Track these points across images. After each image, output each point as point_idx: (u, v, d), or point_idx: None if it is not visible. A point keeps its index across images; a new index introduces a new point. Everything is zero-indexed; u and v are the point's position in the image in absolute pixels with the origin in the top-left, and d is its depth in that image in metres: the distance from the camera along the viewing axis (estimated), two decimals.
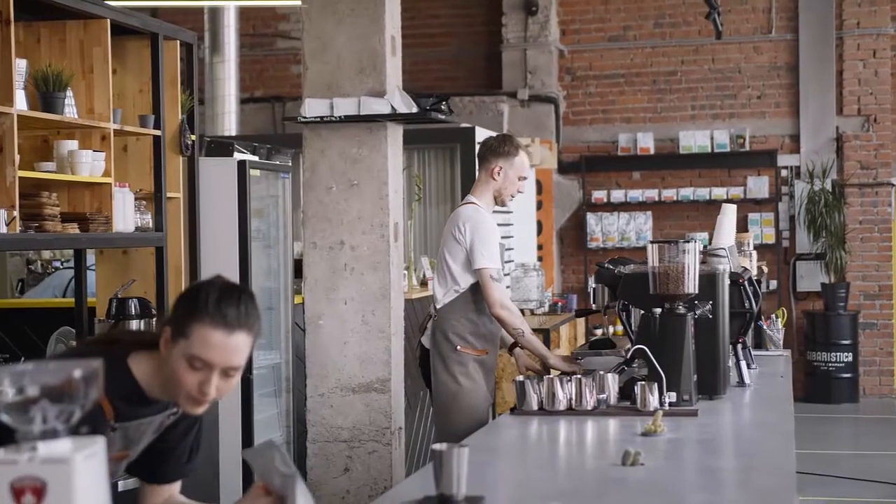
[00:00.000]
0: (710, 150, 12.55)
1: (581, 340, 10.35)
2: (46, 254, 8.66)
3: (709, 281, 4.49)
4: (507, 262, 9.97)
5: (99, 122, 5.17)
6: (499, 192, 5.19)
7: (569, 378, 4.25)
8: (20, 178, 4.71)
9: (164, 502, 2.94)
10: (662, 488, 3.05)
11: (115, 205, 5.19)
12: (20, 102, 4.68)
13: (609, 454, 3.46)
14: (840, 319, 12.08)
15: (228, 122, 11.05)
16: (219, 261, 6.13)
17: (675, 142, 12.68)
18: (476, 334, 5.17)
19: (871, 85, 12.40)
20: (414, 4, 13.26)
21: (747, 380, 4.91)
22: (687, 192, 12.56)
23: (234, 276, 6.16)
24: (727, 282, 4.66)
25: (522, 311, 9.97)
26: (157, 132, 5.59)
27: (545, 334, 8.85)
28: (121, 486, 4.51)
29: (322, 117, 5.43)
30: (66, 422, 1.79)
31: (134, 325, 5.42)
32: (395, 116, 5.43)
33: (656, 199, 12.61)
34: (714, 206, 10.88)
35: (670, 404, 4.19)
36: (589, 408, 4.17)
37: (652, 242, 4.42)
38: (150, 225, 5.58)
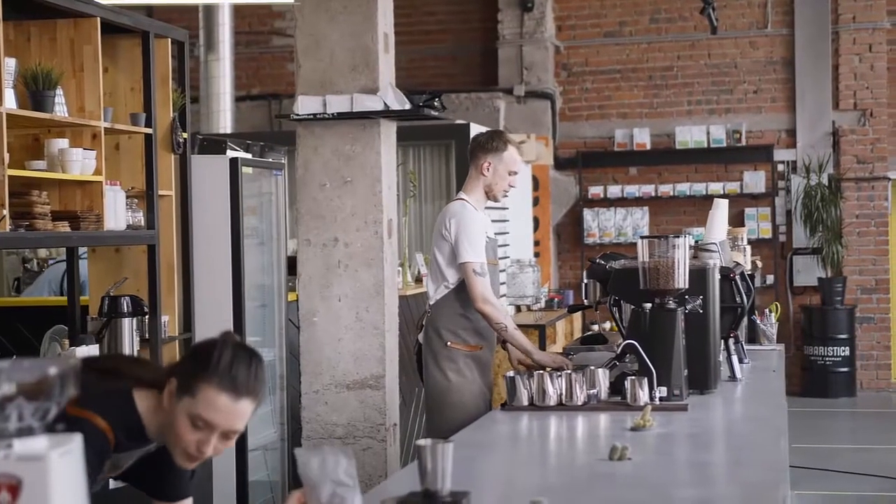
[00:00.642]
0: (706, 145, 12.55)
1: (578, 336, 10.35)
2: (42, 252, 8.66)
3: (699, 276, 4.49)
4: (502, 258, 9.98)
5: (89, 120, 5.16)
6: (489, 188, 5.19)
7: (559, 373, 4.26)
8: (10, 176, 4.70)
9: None
10: (649, 482, 3.05)
11: (107, 203, 5.19)
12: (9, 101, 4.67)
13: (597, 449, 3.46)
14: (837, 314, 12.08)
15: (223, 120, 11.05)
16: (211, 258, 6.14)
17: (671, 137, 12.68)
18: (469, 330, 5.17)
19: (868, 79, 12.40)
20: (410, 1, 13.26)
21: (739, 374, 4.91)
22: (683, 188, 12.56)
23: (226, 274, 6.18)
24: (717, 276, 4.66)
25: (518, 307, 10.00)
26: (149, 130, 5.59)
27: (541, 330, 8.85)
28: (112, 484, 4.51)
29: (315, 114, 5.43)
30: (42, 419, 1.79)
31: (125, 323, 5.42)
32: (388, 113, 5.43)
33: (653, 194, 12.61)
34: (711, 201, 10.87)
35: (661, 399, 4.20)
36: (579, 403, 4.18)
37: (642, 237, 4.43)
38: (142, 223, 5.58)
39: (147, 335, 5.61)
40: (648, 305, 4.34)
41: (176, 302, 5.91)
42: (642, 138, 12.68)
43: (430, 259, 5.33)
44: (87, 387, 2.58)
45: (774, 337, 6.27)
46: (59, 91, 4.96)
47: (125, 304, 5.44)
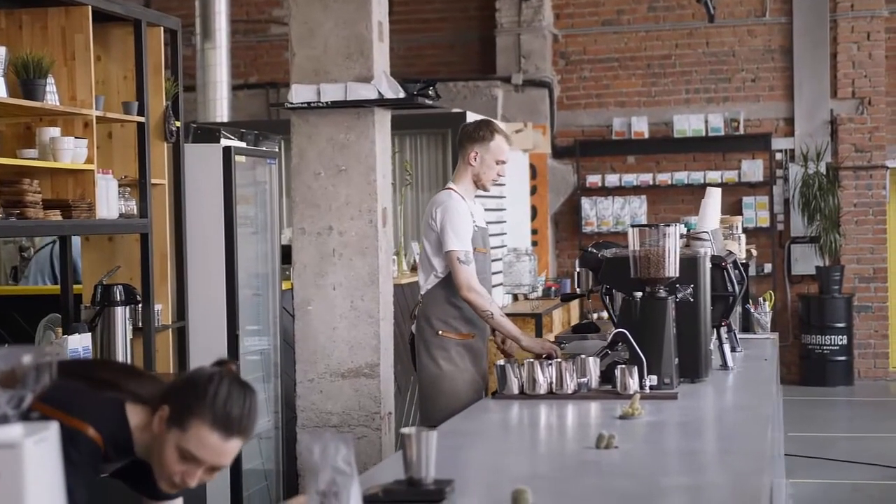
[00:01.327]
0: (704, 133, 12.54)
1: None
2: (38, 240, 8.66)
3: (690, 264, 4.49)
4: (499, 246, 9.98)
5: (81, 108, 5.16)
6: (477, 177, 5.19)
7: (549, 362, 4.26)
8: (2, 165, 4.70)
9: None
10: (633, 471, 3.06)
11: (99, 191, 5.19)
12: (0, 90, 4.67)
13: (586, 438, 3.46)
14: (835, 302, 12.08)
15: (220, 109, 11.03)
16: (205, 247, 6.14)
17: (669, 126, 12.67)
18: (460, 318, 5.18)
19: (866, 67, 12.38)
20: None
21: (730, 363, 4.91)
22: (681, 176, 12.55)
23: (220, 262, 6.18)
24: (708, 265, 4.65)
25: (515, 296, 10.01)
26: (141, 119, 5.58)
27: (537, 319, 8.86)
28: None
29: (309, 103, 5.43)
30: (17, 407, 1.79)
31: (118, 312, 5.42)
32: (382, 102, 5.42)
33: (651, 183, 12.60)
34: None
35: (651, 388, 4.20)
36: (569, 391, 4.18)
37: (633, 226, 4.43)
38: (135, 211, 5.58)
39: (140, 324, 5.61)
40: (639, 294, 4.35)
41: (169, 290, 5.91)
42: (640, 127, 12.67)
43: (420, 249, 5.34)
44: (78, 396, 2.58)
45: (768, 326, 6.27)
46: (51, 79, 4.96)
47: (118, 293, 5.44)
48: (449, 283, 5.11)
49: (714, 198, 5.66)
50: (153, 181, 5.71)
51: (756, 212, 12.40)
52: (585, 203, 12.73)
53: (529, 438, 3.81)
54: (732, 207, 12.11)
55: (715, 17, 11.22)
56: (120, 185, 5.48)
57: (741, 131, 12.51)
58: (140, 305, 5.58)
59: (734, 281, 5.00)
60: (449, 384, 5.12)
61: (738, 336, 5.59)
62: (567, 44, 12.98)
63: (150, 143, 5.66)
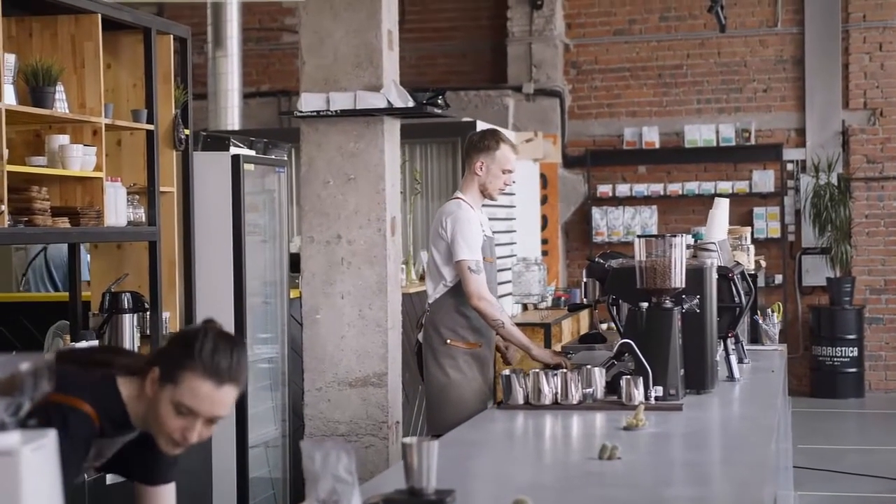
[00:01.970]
0: (715, 144, 12.53)
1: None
2: (32, 250, 8.69)
3: (696, 275, 4.48)
4: (509, 256, 9.98)
5: (90, 116, 5.18)
6: (484, 187, 5.21)
7: (555, 372, 4.26)
8: (11, 172, 4.72)
9: None
10: (636, 481, 3.05)
11: (107, 199, 5.20)
12: (9, 97, 4.69)
13: (589, 448, 3.45)
14: (845, 314, 12.04)
15: (231, 117, 11.06)
16: (213, 255, 6.15)
17: (680, 136, 12.65)
18: (468, 328, 5.19)
19: (878, 78, 12.35)
20: None
21: (737, 374, 4.90)
22: (692, 187, 12.53)
23: (228, 270, 6.19)
24: (714, 276, 4.65)
25: (525, 305, 10.00)
26: (150, 127, 5.60)
27: (546, 329, 8.85)
28: (109, 479, 4.54)
29: (319, 112, 5.44)
30: (14, 415, 1.80)
31: (126, 319, 5.43)
32: (391, 111, 5.43)
33: (661, 193, 12.59)
34: None
35: (657, 398, 4.19)
36: (574, 402, 4.18)
37: (639, 237, 4.42)
38: (144, 219, 5.59)
39: (148, 331, 5.62)
40: (645, 305, 4.34)
41: (177, 298, 5.92)
42: (651, 137, 12.66)
43: (428, 258, 5.35)
44: (71, 376, 2.62)
45: (776, 337, 6.24)
46: (60, 87, 4.98)
47: (126, 301, 5.45)
48: (457, 292, 5.12)
49: (722, 208, 5.65)
50: (162, 189, 5.73)
51: (767, 222, 12.38)
52: (596, 213, 12.72)
53: (533, 449, 3.81)
54: (743, 218, 12.09)
55: (726, 28, 11.21)
56: (129, 193, 5.50)
57: (752, 142, 12.49)
58: (148, 313, 5.60)
59: (741, 292, 4.99)
60: (457, 393, 5.13)
61: (746, 347, 5.58)
62: (578, 53, 12.99)
63: (159, 150, 5.67)
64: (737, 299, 4.97)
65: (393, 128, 5.61)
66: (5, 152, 4.58)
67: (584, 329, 10.54)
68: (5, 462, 1.75)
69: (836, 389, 11.98)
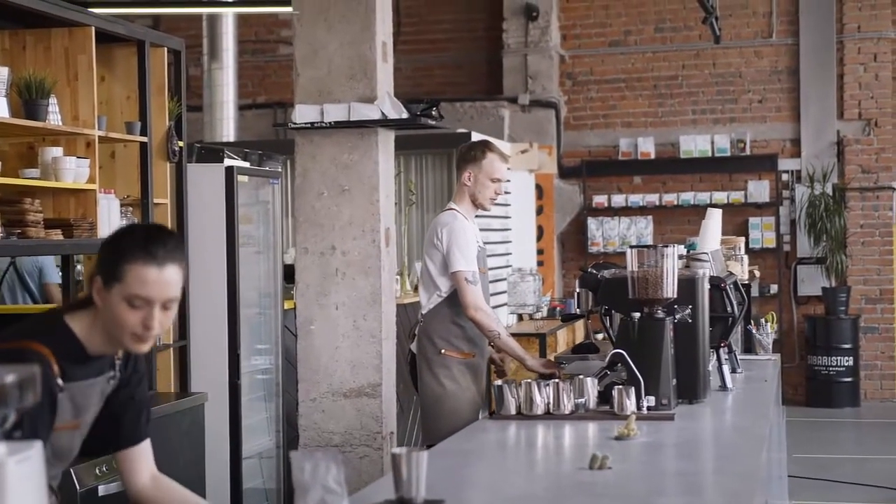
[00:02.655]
0: (710, 154, 12.55)
1: None
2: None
3: (688, 285, 4.49)
4: (504, 266, 9.99)
5: (83, 128, 5.19)
6: (474, 197, 5.24)
7: (547, 382, 4.27)
8: (4, 184, 4.73)
9: (152, 480, 3.02)
10: (626, 492, 3.06)
11: (100, 211, 5.21)
12: (2, 110, 4.70)
13: (581, 458, 3.45)
14: (841, 323, 12.05)
15: (226, 129, 11.08)
16: (207, 266, 6.15)
17: (675, 146, 12.68)
18: (462, 338, 5.21)
19: (872, 89, 12.38)
20: (417, 10, 13.31)
21: (730, 384, 4.90)
22: (688, 197, 12.55)
23: (222, 282, 6.20)
24: (707, 286, 4.65)
25: (520, 315, 10.00)
26: (144, 139, 5.61)
27: (541, 339, 8.86)
28: (101, 490, 4.53)
29: (313, 123, 5.45)
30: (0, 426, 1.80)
31: None
32: (385, 122, 5.44)
33: (657, 203, 12.61)
34: None
35: (649, 408, 4.20)
36: (567, 412, 4.18)
37: (631, 247, 4.43)
38: None
39: None
40: (637, 315, 4.35)
41: None
42: (647, 147, 12.69)
43: (422, 268, 5.36)
44: (17, 327, 2.71)
45: (770, 347, 6.25)
46: (53, 100, 4.99)
47: None
48: (452, 303, 5.14)
49: (714, 219, 5.66)
50: (156, 201, 5.74)
51: (762, 232, 12.40)
52: (592, 223, 12.73)
53: (524, 459, 3.81)
54: (739, 228, 12.11)
55: (721, 39, 11.24)
56: (122, 205, 5.50)
57: (747, 152, 12.51)
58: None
59: (734, 302, 5.00)
60: (453, 403, 5.15)
61: (740, 357, 5.58)
62: (574, 64, 13.01)
63: (152, 162, 5.69)
64: (729, 309, 4.98)
65: (387, 139, 5.63)
66: None
67: (580, 339, 10.55)
68: None
69: (832, 399, 11.99)
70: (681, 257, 4.89)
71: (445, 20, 13.43)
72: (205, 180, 6.18)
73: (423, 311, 5.31)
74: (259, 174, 6.69)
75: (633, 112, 12.89)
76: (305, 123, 5.45)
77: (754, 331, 6.25)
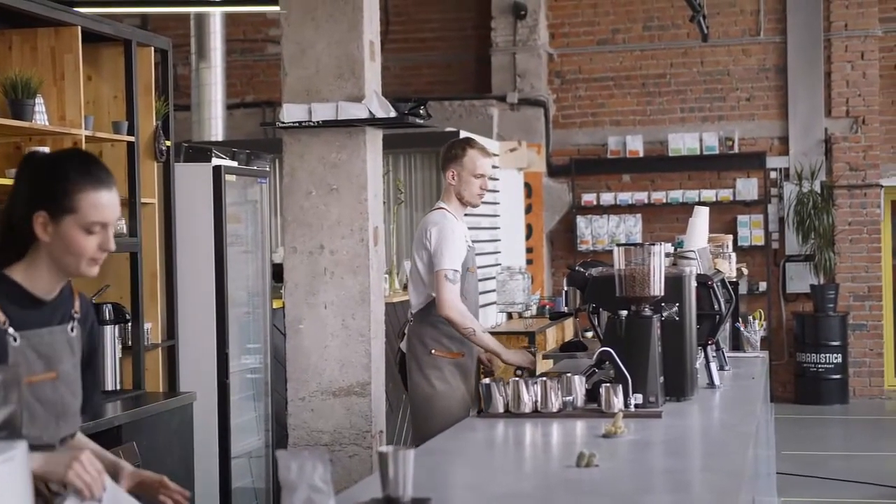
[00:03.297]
0: (699, 152, 12.57)
1: None
2: None
3: (675, 283, 4.49)
4: (493, 265, 10.00)
5: (70, 128, 5.18)
6: (460, 195, 5.25)
7: (535, 380, 4.27)
8: None
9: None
10: (613, 489, 3.06)
11: None
12: None
13: (568, 456, 3.46)
14: (829, 321, 12.08)
15: (215, 128, 11.06)
16: (195, 266, 6.15)
17: (664, 144, 12.70)
18: (452, 337, 5.22)
19: (860, 86, 12.41)
20: (405, 9, 13.31)
21: (717, 381, 4.91)
22: (676, 195, 12.57)
23: (210, 281, 6.20)
24: (693, 284, 4.66)
25: (509, 314, 10.01)
26: (131, 138, 5.61)
27: (530, 337, 8.86)
28: None
29: (301, 122, 5.45)
30: None
31: (108, 331, 5.43)
32: (373, 121, 5.44)
33: (646, 201, 12.62)
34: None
35: (636, 406, 4.20)
36: (554, 410, 4.18)
37: (618, 245, 4.44)
38: (125, 230, 5.59)
39: (130, 342, 5.62)
40: (624, 313, 4.35)
41: (159, 309, 5.92)
42: (635, 146, 12.70)
43: (411, 268, 5.37)
44: None
45: (758, 344, 6.27)
46: (39, 99, 4.98)
47: (107, 312, 5.45)
48: None
49: (701, 217, 5.67)
50: (143, 200, 5.74)
51: (751, 230, 12.42)
52: (581, 221, 12.74)
53: (512, 457, 3.81)
54: (727, 226, 12.14)
55: (709, 37, 11.27)
56: None
57: (736, 150, 12.54)
58: (129, 324, 5.59)
59: (721, 299, 5.01)
60: (443, 403, 5.15)
61: (728, 355, 5.59)
62: (562, 63, 13.02)
63: (139, 162, 5.68)
64: (716, 307, 4.99)
65: (375, 138, 5.63)
66: None
67: (569, 337, 10.56)
68: None
69: (821, 396, 12.02)
70: (668, 255, 4.90)
71: (433, 19, 13.44)
72: (193, 180, 6.18)
73: (413, 311, 5.32)
74: (247, 173, 6.69)
75: (622, 110, 12.91)
76: (293, 122, 5.45)
77: (742, 328, 6.26)
